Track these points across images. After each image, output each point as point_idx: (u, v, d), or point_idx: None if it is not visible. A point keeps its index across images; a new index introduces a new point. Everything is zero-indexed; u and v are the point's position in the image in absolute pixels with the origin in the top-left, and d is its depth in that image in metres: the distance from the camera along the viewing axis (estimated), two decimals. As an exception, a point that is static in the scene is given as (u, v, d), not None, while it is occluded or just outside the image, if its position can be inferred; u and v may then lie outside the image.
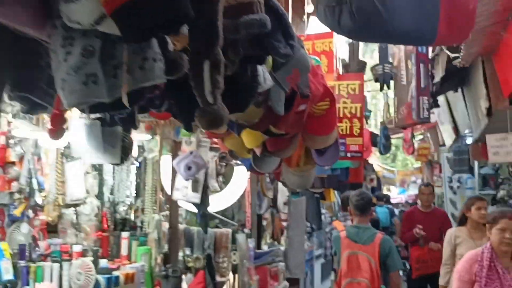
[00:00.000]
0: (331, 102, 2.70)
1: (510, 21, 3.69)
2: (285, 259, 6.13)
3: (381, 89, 4.55)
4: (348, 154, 3.63)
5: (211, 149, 3.41)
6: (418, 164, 15.20)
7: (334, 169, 6.18)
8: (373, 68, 4.46)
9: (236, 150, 3.04)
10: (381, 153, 7.74)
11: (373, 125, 11.68)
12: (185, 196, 3.09)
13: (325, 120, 2.76)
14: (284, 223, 6.31)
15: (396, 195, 21.97)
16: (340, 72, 3.92)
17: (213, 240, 3.49)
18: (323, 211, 9.13)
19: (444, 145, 9.18)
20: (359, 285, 3.82)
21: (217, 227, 3.86)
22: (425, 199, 5.99)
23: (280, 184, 5.52)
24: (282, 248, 6.04)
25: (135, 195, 3.82)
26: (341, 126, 3.61)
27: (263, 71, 1.78)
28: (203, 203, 3.11)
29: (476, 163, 8.13)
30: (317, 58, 3.00)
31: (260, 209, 5.41)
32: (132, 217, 3.83)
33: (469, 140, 7.42)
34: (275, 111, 2.03)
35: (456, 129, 7.74)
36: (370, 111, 6.94)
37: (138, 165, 3.83)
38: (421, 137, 13.07)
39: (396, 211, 13.19)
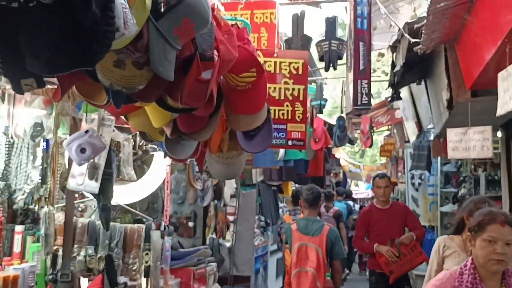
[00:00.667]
0: (258, 74, 2.21)
1: (475, 4, 3.32)
2: (231, 255, 5.69)
3: (327, 69, 4.09)
4: (290, 142, 3.16)
5: (124, 129, 2.88)
6: (385, 160, 15.05)
7: (287, 160, 5.76)
8: (318, 45, 3.99)
9: (147, 131, 2.53)
10: (335, 145, 7.35)
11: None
12: (81, 185, 2.57)
13: (251, 96, 2.27)
14: (231, 217, 5.83)
15: (363, 190, 22.06)
16: (282, 48, 3.43)
17: (122, 238, 2.97)
18: (281, 204, 8.73)
19: (409, 141, 8.94)
20: (306, 274, 4.15)
21: (138, 221, 3.34)
22: (380, 193, 5.15)
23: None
24: (228, 244, 5.59)
25: (41, 181, 3.25)
26: (281, 110, 3.13)
27: (125, 12, 1.27)
28: (104, 193, 2.59)
29: (439, 160, 7.88)
30: (246, 20, 2.50)
31: (203, 202, 4.93)
32: (36, 208, 3.27)
33: (432, 137, 7.12)
34: (160, 75, 1.53)
35: (419, 124, 7.45)
36: (325, 100, 6.50)
37: (45, 147, 3.26)
38: (387, 132, 12.86)
39: (357, 207, 13.04)
